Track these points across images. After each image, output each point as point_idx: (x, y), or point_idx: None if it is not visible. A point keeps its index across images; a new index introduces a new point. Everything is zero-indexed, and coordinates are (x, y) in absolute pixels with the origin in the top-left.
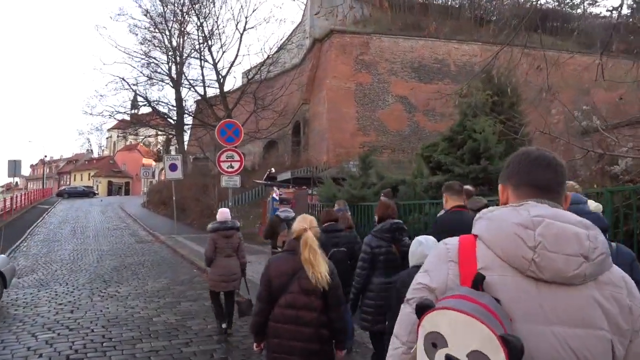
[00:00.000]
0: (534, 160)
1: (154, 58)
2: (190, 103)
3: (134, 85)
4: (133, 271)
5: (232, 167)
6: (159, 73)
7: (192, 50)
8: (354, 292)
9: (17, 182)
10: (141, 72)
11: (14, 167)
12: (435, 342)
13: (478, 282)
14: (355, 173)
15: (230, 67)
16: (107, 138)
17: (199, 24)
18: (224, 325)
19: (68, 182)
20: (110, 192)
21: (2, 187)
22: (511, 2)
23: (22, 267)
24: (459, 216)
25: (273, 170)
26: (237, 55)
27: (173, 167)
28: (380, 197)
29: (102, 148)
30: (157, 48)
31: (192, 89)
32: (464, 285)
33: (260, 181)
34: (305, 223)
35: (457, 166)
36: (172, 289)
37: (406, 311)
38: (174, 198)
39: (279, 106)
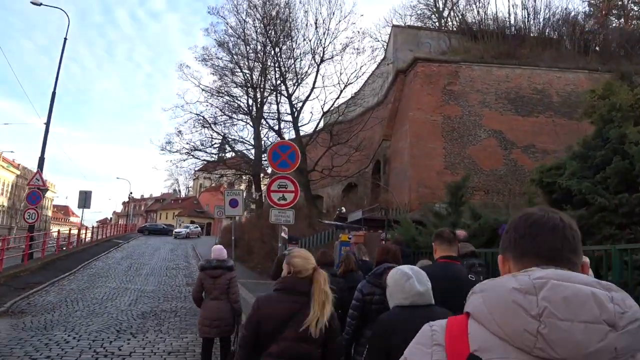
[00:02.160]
0: (536, 224)
1: (235, 97)
2: (270, 142)
3: (213, 124)
4: (160, 320)
5: (284, 199)
6: (239, 112)
7: (271, 88)
8: (344, 346)
9: (111, 218)
10: (222, 112)
11: (84, 198)
12: None
13: None
14: (442, 211)
15: (305, 101)
16: (194, 179)
17: (276, 59)
18: None
19: (155, 220)
20: None
21: (98, 222)
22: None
23: (45, 303)
24: (445, 269)
25: (343, 209)
26: (313, 88)
27: (234, 203)
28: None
29: (189, 189)
30: (239, 87)
31: (270, 129)
32: None
33: (329, 221)
34: (312, 260)
35: (600, 195)
36: (191, 349)
37: None
38: (232, 237)
39: (356, 142)
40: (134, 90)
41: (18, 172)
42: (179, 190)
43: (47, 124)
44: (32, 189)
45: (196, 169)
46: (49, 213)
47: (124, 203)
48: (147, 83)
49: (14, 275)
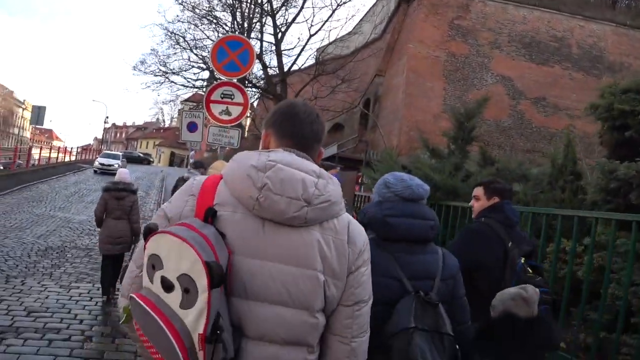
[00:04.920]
0: (298, 115)
1: (219, 19)
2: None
3: (194, 47)
4: (61, 261)
5: (228, 113)
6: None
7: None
8: None
9: (92, 144)
10: (206, 35)
11: (38, 113)
12: (154, 264)
13: (208, 215)
14: (443, 151)
15: (292, 22)
16: (179, 110)
17: None
18: (103, 298)
19: (135, 148)
20: (172, 163)
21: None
22: None
23: None
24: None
25: (323, 150)
26: (302, 7)
27: (192, 127)
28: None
29: (173, 119)
30: (224, 6)
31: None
32: (196, 217)
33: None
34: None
35: None
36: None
37: (141, 241)
38: (188, 167)
39: (345, 74)
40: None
41: None
42: (163, 120)
43: None
44: None
45: (181, 99)
46: (28, 134)
47: (105, 129)
48: None
49: None
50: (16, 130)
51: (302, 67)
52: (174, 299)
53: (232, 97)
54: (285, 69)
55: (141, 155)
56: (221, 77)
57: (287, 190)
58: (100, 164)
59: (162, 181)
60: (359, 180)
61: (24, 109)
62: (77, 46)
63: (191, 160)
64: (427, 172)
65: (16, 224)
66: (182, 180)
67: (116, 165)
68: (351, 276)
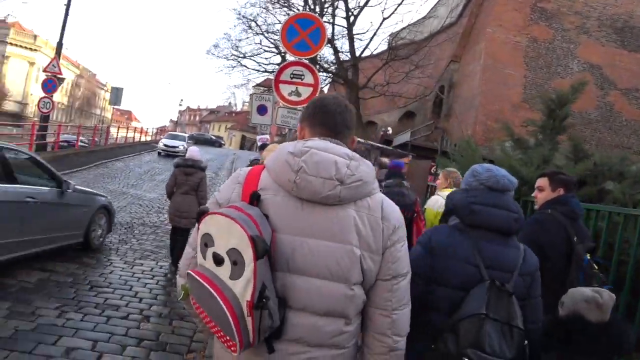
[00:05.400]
0: (327, 106)
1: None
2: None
3: (266, 32)
4: (128, 237)
5: (297, 94)
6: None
7: None
8: None
9: (168, 126)
10: (275, 17)
11: (116, 94)
12: (207, 242)
13: (253, 198)
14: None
15: (364, 5)
16: (250, 95)
17: None
18: (172, 268)
19: (208, 131)
20: (242, 147)
21: (156, 129)
22: None
23: None
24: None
25: (389, 130)
26: None
27: (262, 110)
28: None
29: (245, 103)
30: None
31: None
32: (242, 201)
33: (364, 141)
34: None
35: None
36: (116, 283)
37: (196, 225)
38: (257, 150)
39: (419, 60)
40: None
41: (78, 72)
42: (235, 104)
43: (67, 6)
44: (48, 76)
45: (253, 84)
46: (109, 115)
47: (180, 112)
48: None
49: None
50: (98, 111)
51: (374, 52)
52: (224, 272)
53: (302, 77)
54: (357, 53)
55: (213, 137)
56: (291, 58)
57: (321, 171)
58: (165, 145)
59: (232, 163)
60: (432, 170)
61: (105, 91)
62: (156, 31)
63: (259, 144)
64: (512, 164)
65: None
66: (255, 162)
67: (181, 147)
68: (387, 251)
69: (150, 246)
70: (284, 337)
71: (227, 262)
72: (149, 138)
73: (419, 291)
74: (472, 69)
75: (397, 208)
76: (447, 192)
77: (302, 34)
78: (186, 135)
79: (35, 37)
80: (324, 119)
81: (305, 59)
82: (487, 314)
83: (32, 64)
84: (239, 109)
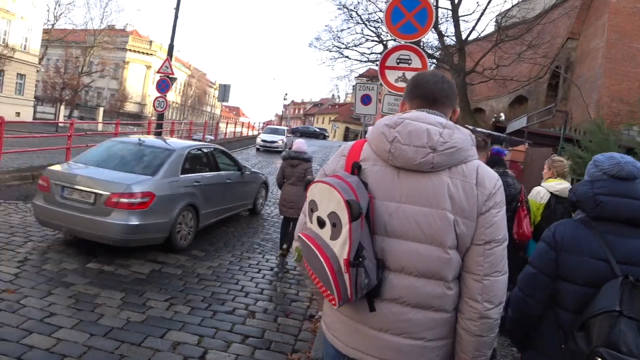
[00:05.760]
0: (425, 79)
1: None
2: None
3: (367, 21)
4: (235, 229)
5: (405, 80)
6: None
7: None
8: None
9: (273, 120)
10: (376, 6)
11: (224, 91)
12: (312, 207)
13: (354, 168)
14: None
15: None
16: (353, 86)
17: None
18: (284, 246)
19: (312, 123)
20: (346, 138)
21: (263, 123)
22: None
23: None
24: None
25: (502, 116)
26: None
27: (366, 100)
28: None
29: (348, 95)
30: None
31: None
32: (345, 171)
33: (472, 128)
34: None
35: None
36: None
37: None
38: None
39: (532, 39)
40: None
41: (189, 72)
42: (338, 96)
43: (177, 9)
44: (161, 76)
45: (355, 75)
46: (219, 112)
47: (285, 106)
48: None
49: None
50: (208, 109)
51: (481, 34)
52: (326, 233)
53: (409, 62)
54: (463, 36)
55: (317, 130)
56: (397, 41)
57: (414, 140)
58: (263, 140)
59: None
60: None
61: (214, 89)
62: (260, 29)
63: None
64: None
65: None
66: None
67: (280, 142)
68: (482, 217)
69: (257, 239)
70: (384, 296)
71: (328, 225)
72: (255, 132)
73: (546, 287)
74: (594, 45)
75: (494, 174)
76: (551, 182)
77: (407, 15)
78: (286, 128)
79: (150, 42)
80: (420, 91)
81: (412, 42)
82: (621, 311)
83: (148, 67)
84: (342, 101)
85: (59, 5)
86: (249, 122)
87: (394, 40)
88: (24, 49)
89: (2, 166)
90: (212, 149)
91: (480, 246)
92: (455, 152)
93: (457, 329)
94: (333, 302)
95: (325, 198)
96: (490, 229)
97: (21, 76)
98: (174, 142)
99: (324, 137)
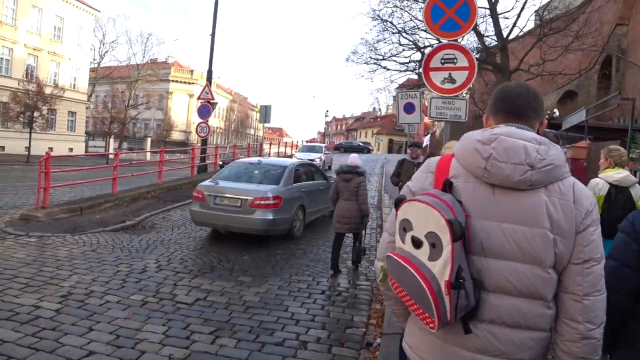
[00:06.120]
0: (509, 91)
1: None
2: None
3: (402, 30)
4: (276, 255)
5: (451, 80)
6: None
7: None
8: None
9: (316, 138)
10: (409, 14)
11: (265, 112)
12: (405, 226)
13: (445, 185)
14: None
15: None
16: (393, 97)
17: None
18: (330, 272)
19: (355, 138)
20: (390, 150)
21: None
22: None
23: (178, 219)
24: None
25: (556, 112)
26: None
27: (409, 108)
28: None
29: (389, 107)
30: None
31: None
32: (435, 188)
33: (548, 130)
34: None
35: None
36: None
37: (392, 211)
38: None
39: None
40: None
41: (231, 97)
42: (379, 109)
43: (213, 35)
44: (202, 102)
45: (395, 86)
46: (261, 133)
47: (326, 123)
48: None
49: (173, 188)
50: (252, 131)
51: (523, 30)
52: (423, 254)
53: (455, 61)
54: (504, 34)
55: (361, 144)
56: (439, 41)
57: (511, 157)
58: (299, 160)
59: (382, 167)
60: None
61: (256, 112)
62: (297, 49)
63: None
64: None
65: None
66: (403, 161)
67: (317, 161)
68: (579, 235)
69: (306, 260)
70: (481, 317)
71: (426, 245)
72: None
73: (630, 280)
74: None
75: (589, 192)
76: (609, 172)
77: (448, 12)
78: (323, 145)
79: (191, 71)
80: (505, 105)
81: (455, 40)
82: None
83: (191, 95)
84: (383, 113)
85: (103, 44)
86: (291, 142)
87: (438, 40)
88: (73, 87)
89: (52, 200)
90: (307, 165)
91: (579, 265)
92: (552, 169)
93: (557, 353)
94: (432, 325)
95: (422, 217)
96: (589, 247)
97: (72, 114)
98: (283, 160)
99: (368, 151)
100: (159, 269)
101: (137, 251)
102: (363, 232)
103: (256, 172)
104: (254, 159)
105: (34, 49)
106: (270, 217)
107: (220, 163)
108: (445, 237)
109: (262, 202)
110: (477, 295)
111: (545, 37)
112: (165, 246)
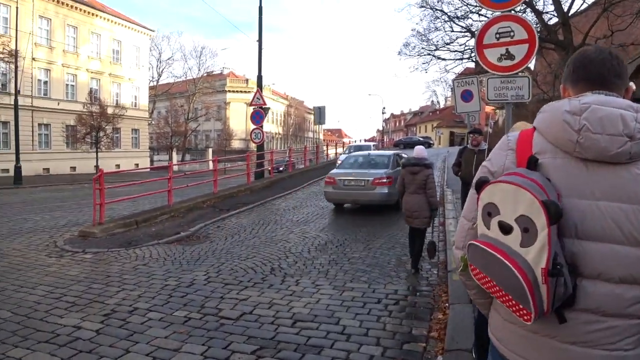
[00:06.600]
0: (589, 57)
1: None
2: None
3: (455, 17)
4: (337, 257)
5: (509, 56)
6: None
7: None
8: None
9: (375, 136)
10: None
11: (319, 114)
12: (490, 211)
13: (531, 163)
14: None
15: None
16: (451, 88)
17: None
18: (412, 271)
19: (415, 133)
20: (452, 143)
21: (365, 140)
22: None
23: (233, 227)
24: None
25: (633, 86)
26: None
27: (467, 96)
28: None
29: (447, 99)
30: None
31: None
32: (519, 166)
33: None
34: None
35: None
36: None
37: (471, 193)
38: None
39: None
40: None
41: (287, 102)
42: (437, 102)
43: (260, 41)
44: (255, 108)
45: (451, 77)
46: (321, 136)
47: (384, 120)
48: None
49: (229, 196)
50: (310, 134)
51: (585, 1)
52: (513, 240)
53: (512, 34)
54: (565, 9)
55: (421, 139)
56: (492, 14)
57: (607, 127)
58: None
59: (443, 161)
60: None
61: (313, 115)
62: (348, 48)
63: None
64: None
65: (302, 218)
66: (464, 149)
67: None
68: None
69: (362, 265)
70: (576, 306)
71: (517, 230)
72: None
73: None
74: None
75: None
76: None
77: None
78: (372, 144)
79: (247, 80)
80: (585, 72)
81: (510, 10)
82: None
83: (247, 104)
84: (442, 106)
85: (160, 61)
86: (349, 142)
87: (489, 14)
88: (135, 106)
89: (114, 215)
90: (398, 153)
91: None
92: None
93: None
94: (527, 317)
95: (511, 200)
96: None
97: (135, 131)
98: (385, 152)
99: (429, 145)
100: (208, 281)
101: (187, 263)
102: (431, 226)
103: (368, 161)
104: (364, 152)
105: (96, 73)
106: (387, 191)
107: (280, 168)
108: (540, 221)
109: (380, 180)
110: (573, 281)
111: (612, 5)
112: (217, 256)
